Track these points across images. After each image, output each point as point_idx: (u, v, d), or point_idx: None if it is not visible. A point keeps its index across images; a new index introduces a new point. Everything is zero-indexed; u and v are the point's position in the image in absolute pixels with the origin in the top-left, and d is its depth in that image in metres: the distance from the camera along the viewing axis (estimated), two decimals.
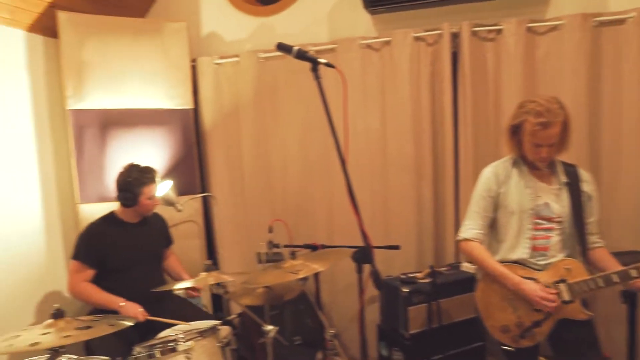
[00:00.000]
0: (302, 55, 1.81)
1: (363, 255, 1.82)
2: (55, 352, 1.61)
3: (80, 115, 3.09)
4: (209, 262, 2.19)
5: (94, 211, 3.03)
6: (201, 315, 2.70)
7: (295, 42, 2.68)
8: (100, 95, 3.14)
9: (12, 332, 1.68)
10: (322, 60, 1.82)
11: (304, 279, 2.49)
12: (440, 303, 2.54)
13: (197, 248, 3.42)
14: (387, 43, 3.22)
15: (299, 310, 3.26)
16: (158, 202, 2.78)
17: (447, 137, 3.14)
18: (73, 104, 3.07)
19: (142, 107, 3.25)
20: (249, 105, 3.46)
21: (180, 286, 2.33)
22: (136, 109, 3.23)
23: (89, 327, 1.60)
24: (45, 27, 3.10)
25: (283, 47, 1.82)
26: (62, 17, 3.05)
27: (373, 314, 3.17)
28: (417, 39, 3.15)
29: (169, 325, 2.43)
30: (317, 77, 1.81)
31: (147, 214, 2.76)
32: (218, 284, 2.16)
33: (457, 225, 3.11)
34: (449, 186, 3.16)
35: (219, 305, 3.57)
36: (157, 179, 2.77)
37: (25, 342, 1.49)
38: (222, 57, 3.49)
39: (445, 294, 2.62)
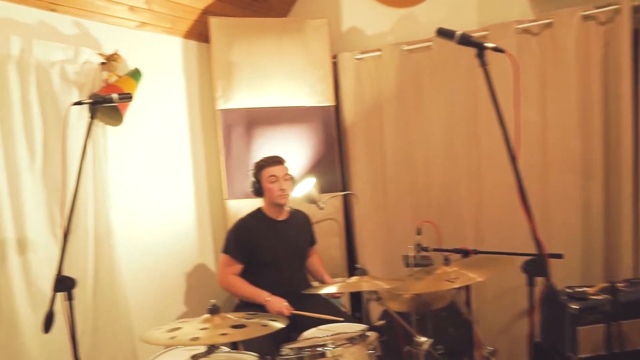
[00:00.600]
0: (466, 40, 1.62)
1: (537, 266, 1.57)
2: (213, 346, 1.63)
3: (228, 115, 3.22)
4: (360, 265, 2.08)
5: (240, 207, 3.14)
6: (341, 316, 2.63)
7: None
8: (246, 95, 3.24)
9: (172, 323, 1.73)
10: (489, 45, 1.61)
11: (460, 288, 2.28)
12: (622, 325, 2.16)
13: (337, 246, 3.38)
14: (549, 26, 2.86)
15: (441, 318, 3.04)
16: (285, 186, 2.70)
17: (623, 131, 2.69)
18: (222, 104, 3.21)
19: (284, 105, 3.29)
20: (391, 100, 3.32)
21: (328, 291, 2.26)
22: (279, 107, 3.28)
23: (243, 326, 1.59)
24: (198, 33, 3.28)
25: (444, 33, 1.65)
26: (214, 22, 3.20)
27: (521, 329, 2.88)
28: (586, 17, 2.75)
29: (313, 324, 2.40)
30: (484, 64, 1.61)
31: (281, 203, 2.70)
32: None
33: (636, 235, 2.66)
34: (626, 188, 2.71)
35: (357, 306, 3.50)
36: (279, 162, 2.73)
37: (186, 336, 1.52)
38: (363, 52, 3.40)
39: (628, 314, 2.23)
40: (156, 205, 3.08)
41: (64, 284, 1.84)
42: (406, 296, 2.34)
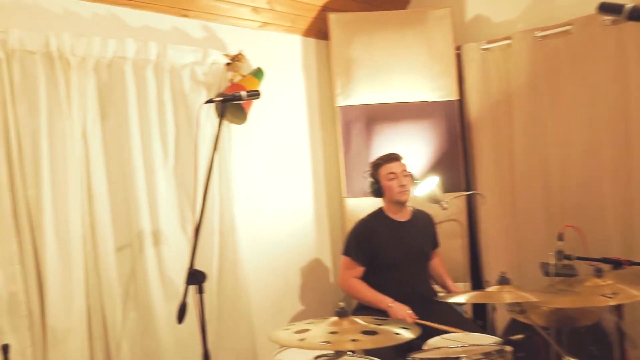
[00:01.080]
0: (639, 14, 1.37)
1: None
2: (340, 351, 1.57)
3: (348, 112, 3.17)
4: (504, 273, 1.88)
5: (359, 205, 3.08)
6: (466, 325, 2.45)
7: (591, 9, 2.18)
8: (365, 91, 3.17)
9: (299, 324, 1.70)
10: None
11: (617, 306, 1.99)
12: None
13: (459, 249, 3.18)
14: None
15: (579, 333, 2.72)
16: (404, 182, 2.58)
17: None
18: (341, 101, 3.17)
19: (405, 100, 3.16)
20: (522, 93, 3.04)
21: (460, 300, 2.10)
22: (399, 103, 3.16)
23: (374, 333, 1.51)
24: (317, 30, 3.27)
25: (608, 8, 1.42)
26: (333, 18, 3.16)
27: None
28: None
29: (437, 331, 2.25)
30: None
31: (402, 199, 2.58)
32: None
33: None
34: None
35: (479, 313, 3.26)
36: (396, 159, 2.62)
37: (315, 339, 1.47)
38: (490, 42, 3.16)
39: None
40: (276, 202, 3.12)
41: (195, 277, 1.90)
42: (545, 309, 2.10)
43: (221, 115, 1.92)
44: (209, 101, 2.05)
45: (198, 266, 2.69)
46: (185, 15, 2.73)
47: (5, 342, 2.04)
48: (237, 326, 2.86)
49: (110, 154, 2.45)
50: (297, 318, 3.25)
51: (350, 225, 3.03)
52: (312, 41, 3.32)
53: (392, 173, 2.56)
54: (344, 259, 2.63)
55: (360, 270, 2.59)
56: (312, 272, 3.32)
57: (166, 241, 2.61)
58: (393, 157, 2.61)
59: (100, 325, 2.44)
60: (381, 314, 2.40)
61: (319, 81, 3.34)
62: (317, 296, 3.34)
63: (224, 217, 2.80)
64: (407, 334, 1.54)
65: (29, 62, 2.20)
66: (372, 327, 1.56)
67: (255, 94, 1.97)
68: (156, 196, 2.56)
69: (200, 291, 1.91)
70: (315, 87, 3.33)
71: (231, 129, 2.85)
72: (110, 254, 2.43)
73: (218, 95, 2.66)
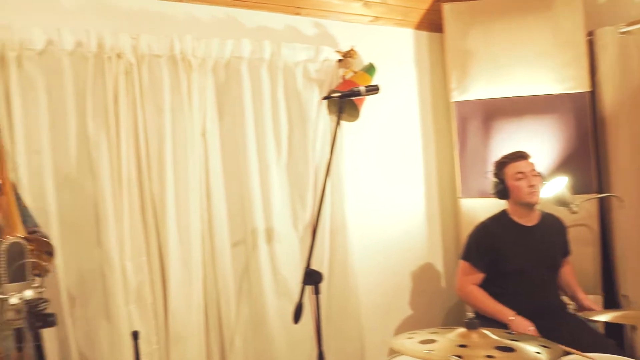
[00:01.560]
0: None
1: None
2: None
3: (464, 107, 2.98)
4: None
5: (474, 207, 2.89)
6: (601, 345, 2.17)
7: None
8: (483, 85, 2.96)
9: (422, 332, 1.59)
10: None
11: None
12: None
13: (590, 257, 2.86)
14: None
15: None
16: (534, 182, 2.35)
17: None
18: (457, 96, 2.99)
19: (527, 94, 2.90)
20: None
21: (600, 318, 1.86)
22: (521, 97, 2.91)
23: (511, 350, 1.36)
24: (430, 22, 3.13)
25: None
26: (447, 8, 3.00)
27: None
28: None
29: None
30: None
31: (532, 201, 2.34)
32: None
33: None
34: None
35: (614, 331, 2.91)
36: (524, 157, 2.39)
37: (445, 352, 1.36)
38: (630, 24, 2.80)
39: None
40: (386, 202, 3.03)
41: (312, 277, 1.88)
42: None
43: (339, 111, 1.87)
44: (327, 97, 2.02)
45: (312, 263, 2.70)
46: (297, 14, 2.73)
47: (134, 329, 2.17)
48: (345, 327, 2.81)
49: (226, 152, 2.52)
50: (406, 323, 3.13)
51: (464, 227, 2.86)
52: (424, 34, 3.18)
53: (520, 172, 2.34)
54: (462, 264, 2.46)
55: (479, 276, 2.41)
56: (423, 275, 3.18)
57: (278, 238, 2.63)
58: (520, 155, 2.39)
59: (216, 318, 2.52)
60: (501, 326, 2.21)
61: (432, 76, 3.19)
62: (427, 301, 3.20)
63: (335, 216, 2.77)
64: (547, 355, 1.37)
65: (155, 65, 2.32)
66: (507, 342, 1.41)
67: (374, 89, 1.90)
68: (270, 194, 2.58)
69: (317, 292, 1.88)
70: (428, 82, 3.19)
71: (342, 126, 2.81)
72: (226, 250, 2.50)
73: (330, 92, 2.63)
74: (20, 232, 1.33)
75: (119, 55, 2.23)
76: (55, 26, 2.14)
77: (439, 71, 3.16)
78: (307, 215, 2.72)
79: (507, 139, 2.88)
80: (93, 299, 2.25)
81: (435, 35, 3.17)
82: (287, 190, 2.68)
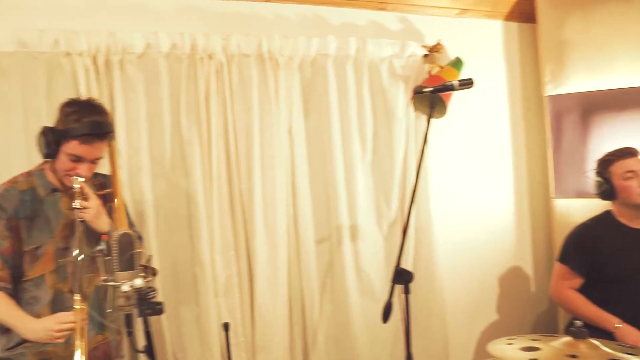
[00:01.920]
0: None
1: None
2: None
3: (558, 101, 2.80)
4: None
5: (570, 207, 2.72)
6: None
7: None
8: (581, 77, 2.76)
9: (521, 338, 1.50)
10: None
11: None
12: None
13: None
14: None
15: None
16: None
17: None
18: (551, 90, 2.82)
19: (634, 85, 2.66)
20: None
21: None
22: (627, 89, 2.67)
23: None
24: (520, 12, 2.97)
25: None
26: None
27: None
28: None
29: None
30: None
31: (636, 203, 2.16)
32: None
33: None
34: None
35: None
36: (633, 154, 2.19)
37: None
38: None
39: None
40: (473, 200, 2.92)
41: (403, 276, 1.83)
42: None
43: (430, 107, 1.81)
44: (418, 92, 1.96)
45: (392, 261, 2.65)
46: (382, 9, 2.69)
47: (222, 321, 2.25)
48: (430, 326, 2.74)
49: (312, 149, 2.53)
50: (493, 327, 3.01)
51: (558, 229, 2.70)
52: (514, 25, 3.03)
53: (630, 172, 2.14)
54: (559, 267, 2.30)
55: (578, 281, 2.24)
56: (511, 278, 3.04)
57: (362, 236, 2.61)
58: (629, 152, 2.19)
59: (299, 313, 2.54)
60: (601, 333, 2.04)
61: (523, 69, 3.03)
62: (515, 305, 3.05)
63: (420, 214, 2.71)
64: None
65: (244, 64, 2.38)
66: (621, 356, 1.29)
67: (468, 83, 1.82)
68: (354, 191, 2.57)
69: (407, 291, 1.83)
70: (519, 76, 3.03)
71: (431, 122, 2.73)
72: (310, 246, 2.52)
73: (417, 88, 2.57)
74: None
75: (210, 56, 2.31)
76: (153, 30, 2.25)
77: (531, 64, 3.00)
78: (392, 213, 2.68)
79: (608, 135, 2.67)
80: (184, 290, 2.35)
81: (527, 26, 3.01)
82: (372, 188, 2.66)
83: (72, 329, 1.44)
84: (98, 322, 1.70)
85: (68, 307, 1.63)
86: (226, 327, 1.94)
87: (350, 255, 2.58)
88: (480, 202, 2.93)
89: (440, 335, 2.77)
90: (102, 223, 1.66)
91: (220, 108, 2.34)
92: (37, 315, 1.60)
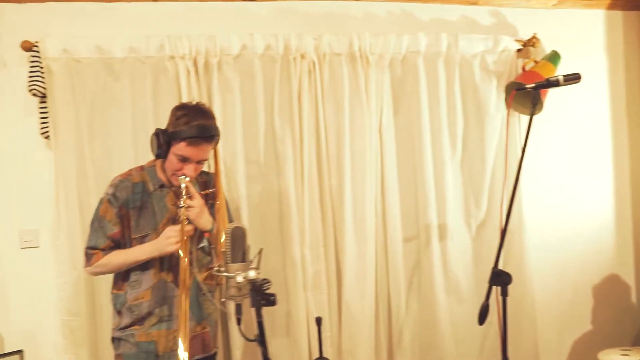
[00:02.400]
0: None
1: None
2: None
3: None
4: None
5: None
6: None
7: None
8: None
9: (633, 350, 1.42)
10: None
11: None
12: None
13: None
14: None
15: None
16: None
17: None
18: None
19: None
20: None
21: None
22: None
23: None
24: (626, 0, 2.77)
25: None
26: None
27: None
28: None
29: None
30: None
31: None
32: None
33: None
34: None
35: None
36: None
37: None
38: None
39: None
40: (568, 200, 2.78)
41: (500, 278, 1.79)
42: None
43: (533, 104, 1.74)
44: (520, 89, 1.89)
45: (481, 262, 2.59)
46: (474, 3, 2.63)
47: (312, 315, 2.30)
48: (519, 329, 2.64)
49: (401, 148, 2.52)
50: (587, 337, 2.85)
51: None
52: (618, 14, 2.83)
53: None
54: None
55: None
56: (608, 286, 2.85)
57: (451, 235, 2.57)
58: None
59: (386, 311, 2.55)
60: None
61: (627, 61, 2.83)
62: (612, 316, 2.86)
63: (512, 214, 2.60)
64: None
65: (336, 63, 2.41)
66: None
67: (574, 78, 1.73)
68: (444, 190, 2.53)
69: (504, 293, 1.79)
70: (622, 69, 2.83)
71: (520, 120, 2.64)
72: (398, 244, 2.51)
73: (512, 85, 2.49)
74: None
75: (302, 56, 2.37)
76: (249, 32, 2.34)
77: (636, 55, 2.79)
78: (481, 213, 2.62)
79: None
80: (275, 287, 2.42)
81: (634, 14, 2.80)
82: (461, 187, 2.61)
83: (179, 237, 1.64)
84: (198, 314, 1.81)
85: (169, 296, 1.76)
86: (318, 321, 1.98)
87: (438, 255, 2.54)
88: (576, 204, 2.79)
89: (530, 339, 2.67)
90: (204, 221, 1.76)
91: (311, 107, 2.40)
92: (139, 298, 1.76)
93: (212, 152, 1.84)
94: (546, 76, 2.48)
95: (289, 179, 2.36)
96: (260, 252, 1.35)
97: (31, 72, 2.24)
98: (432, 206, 2.51)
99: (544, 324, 2.74)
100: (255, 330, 1.33)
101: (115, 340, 1.80)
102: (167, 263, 1.77)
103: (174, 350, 1.76)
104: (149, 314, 1.75)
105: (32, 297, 2.39)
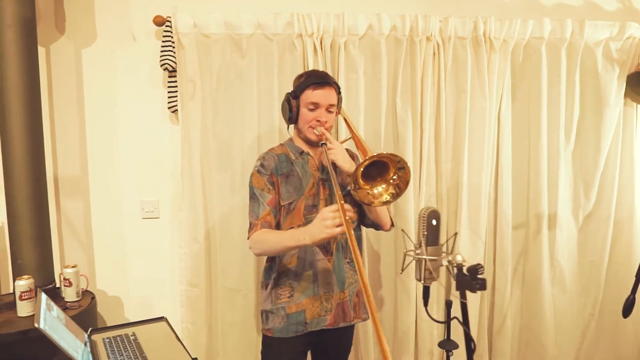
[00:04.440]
0: None
1: None
2: None
3: None
4: None
5: None
6: None
7: None
8: None
9: None
10: None
11: None
12: None
13: None
14: None
15: None
16: None
17: None
18: None
19: None
20: None
21: None
22: None
23: None
24: None
25: None
26: None
27: None
28: None
29: None
30: None
31: None
32: None
33: None
34: None
35: None
36: None
37: None
38: None
39: None
40: None
41: None
42: None
43: None
44: None
45: (587, 253, 2.59)
46: None
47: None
48: (621, 325, 2.65)
49: (516, 135, 2.50)
50: None
51: None
52: None
53: None
54: None
55: None
56: None
57: (560, 225, 2.55)
58: None
59: (489, 297, 2.57)
60: None
61: None
62: None
63: (622, 204, 2.59)
64: None
65: (459, 47, 2.38)
66: None
67: None
68: (556, 180, 2.51)
69: None
70: None
71: (634, 111, 2.58)
72: (507, 231, 2.51)
73: (632, 75, 2.43)
74: None
75: (428, 38, 2.34)
76: (376, 12, 2.32)
77: None
78: (590, 204, 2.60)
79: None
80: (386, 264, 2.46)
81: None
82: (571, 177, 2.58)
83: (338, 218, 1.47)
84: (341, 281, 1.84)
85: (312, 260, 1.78)
86: (448, 304, 2.01)
87: (545, 244, 2.54)
88: None
89: (632, 337, 2.67)
90: (347, 162, 1.75)
91: (434, 90, 2.39)
92: (287, 264, 1.78)
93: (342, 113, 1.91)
94: None
95: (409, 160, 2.37)
96: (455, 236, 1.36)
97: (163, 46, 2.27)
98: (544, 195, 2.50)
99: None
100: None
101: (264, 313, 1.84)
102: None
103: (321, 317, 1.80)
104: (297, 281, 1.79)
105: (150, 266, 2.47)
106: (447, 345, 2.04)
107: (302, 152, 1.84)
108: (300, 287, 1.80)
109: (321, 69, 2.29)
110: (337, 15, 2.29)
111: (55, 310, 1.50)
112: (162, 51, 2.27)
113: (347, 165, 1.74)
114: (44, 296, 1.47)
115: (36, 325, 1.27)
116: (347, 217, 1.41)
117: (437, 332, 2.54)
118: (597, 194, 2.59)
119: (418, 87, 2.36)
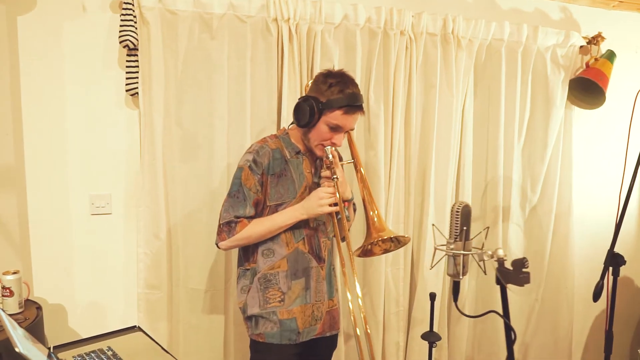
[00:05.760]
0: None
1: None
2: None
3: None
4: None
5: None
6: None
7: None
8: None
9: None
10: None
11: None
12: None
13: None
14: None
15: None
16: None
17: None
18: None
19: None
20: None
21: None
22: None
23: None
24: None
25: None
26: None
27: None
28: None
29: None
30: None
31: None
32: None
33: None
34: None
35: None
36: None
37: None
38: None
39: None
40: (616, 191, 2.99)
41: (614, 259, 1.93)
42: None
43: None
44: None
45: (532, 243, 2.77)
46: None
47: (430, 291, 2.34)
48: (556, 309, 2.89)
49: (477, 130, 2.60)
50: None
51: None
52: None
53: None
54: None
55: None
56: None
57: (511, 218, 2.70)
58: None
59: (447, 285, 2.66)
60: None
61: None
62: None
63: (562, 199, 2.80)
64: None
65: (430, 43, 2.42)
66: None
67: None
68: (511, 174, 2.66)
69: (615, 274, 1.94)
70: None
71: (573, 113, 2.81)
72: None
73: (574, 80, 2.65)
74: None
75: (402, 32, 2.34)
76: (352, 2, 2.27)
77: None
78: (536, 198, 2.77)
79: None
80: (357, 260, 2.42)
81: None
82: (520, 172, 2.74)
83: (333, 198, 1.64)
84: (329, 288, 1.79)
85: (306, 267, 1.72)
86: (432, 297, 2.03)
87: (500, 236, 2.68)
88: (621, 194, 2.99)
89: (566, 320, 2.91)
90: (347, 191, 1.75)
91: (405, 84, 2.39)
92: (275, 267, 1.71)
93: None
94: (606, 73, 2.69)
95: (380, 153, 2.36)
96: (486, 230, 1.36)
97: (123, 20, 2.02)
98: (500, 188, 2.63)
99: (577, 303, 2.98)
100: None
101: (253, 318, 1.72)
102: (298, 234, 1.72)
103: (312, 326, 1.74)
104: (287, 285, 1.70)
105: (100, 269, 2.20)
106: (431, 337, 2.09)
107: (298, 152, 1.75)
108: (291, 293, 1.72)
109: (296, 56, 2.19)
110: (313, 2, 2.20)
111: (18, 328, 1.24)
112: (121, 26, 2.02)
113: (347, 193, 1.78)
114: (3, 313, 1.21)
115: (17, 350, 1.05)
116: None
117: (403, 324, 2.57)
118: (542, 188, 2.77)
119: (391, 80, 2.35)
